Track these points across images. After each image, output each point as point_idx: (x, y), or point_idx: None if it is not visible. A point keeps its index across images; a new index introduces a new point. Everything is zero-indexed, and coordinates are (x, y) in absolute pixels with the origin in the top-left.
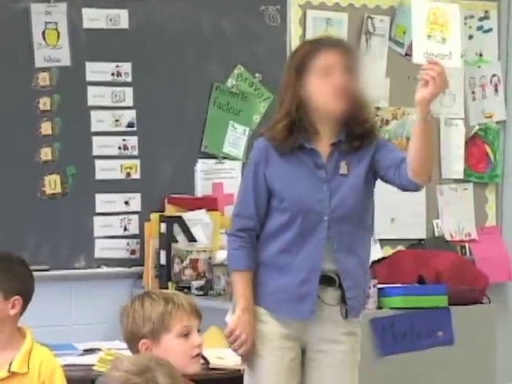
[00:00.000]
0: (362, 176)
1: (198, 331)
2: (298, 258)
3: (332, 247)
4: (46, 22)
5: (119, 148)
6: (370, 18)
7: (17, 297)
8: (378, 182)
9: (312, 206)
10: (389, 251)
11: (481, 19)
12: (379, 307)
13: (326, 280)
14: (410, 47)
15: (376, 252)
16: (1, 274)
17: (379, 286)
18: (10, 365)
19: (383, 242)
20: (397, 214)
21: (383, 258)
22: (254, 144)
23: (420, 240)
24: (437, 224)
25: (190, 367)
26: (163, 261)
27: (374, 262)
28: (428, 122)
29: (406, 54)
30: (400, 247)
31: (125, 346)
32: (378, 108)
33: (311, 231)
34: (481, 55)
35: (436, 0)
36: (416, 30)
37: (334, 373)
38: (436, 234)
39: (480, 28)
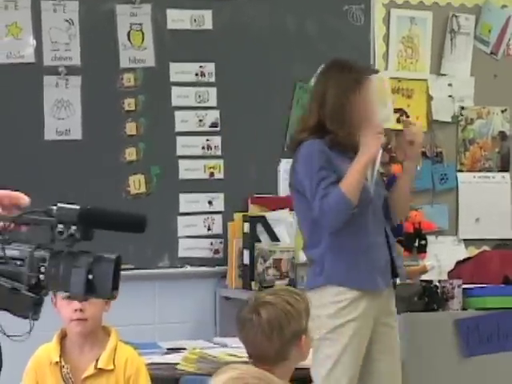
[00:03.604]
0: None
1: None
2: (373, 237)
3: None
4: (130, 24)
5: (203, 148)
6: (455, 16)
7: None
8: (465, 183)
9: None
10: (473, 251)
11: None
12: (464, 308)
13: None
14: (496, 45)
15: (460, 252)
16: None
17: (464, 286)
18: (97, 362)
19: (468, 242)
20: (482, 214)
21: (468, 259)
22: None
23: (505, 240)
24: None
25: None
26: (246, 260)
27: (459, 262)
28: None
29: (492, 53)
30: (485, 247)
31: (209, 344)
32: (463, 107)
33: (367, 214)
34: None
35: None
36: (377, 100)
37: (393, 343)
38: None
39: None
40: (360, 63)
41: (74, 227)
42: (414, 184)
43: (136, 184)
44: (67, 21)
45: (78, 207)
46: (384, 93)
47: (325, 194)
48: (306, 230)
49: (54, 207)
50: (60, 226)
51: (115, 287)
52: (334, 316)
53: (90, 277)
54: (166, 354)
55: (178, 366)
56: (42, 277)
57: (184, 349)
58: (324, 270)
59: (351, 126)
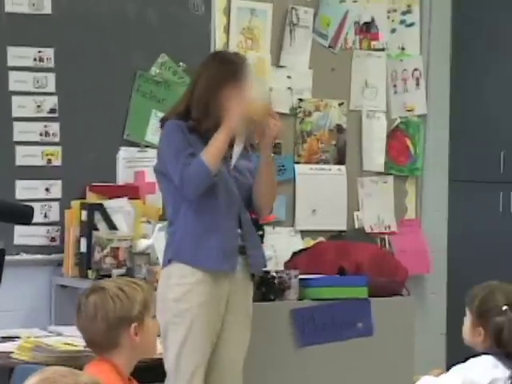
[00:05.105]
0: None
1: None
2: (223, 219)
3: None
4: None
5: (40, 134)
6: (295, 9)
7: None
8: (302, 174)
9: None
10: (309, 242)
11: (403, 13)
12: (300, 298)
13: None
14: (334, 39)
15: (297, 243)
16: None
17: (300, 276)
18: None
19: (304, 233)
20: (318, 206)
21: (304, 249)
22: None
23: (340, 232)
24: (357, 216)
25: (156, 348)
26: (83, 248)
27: (295, 253)
28: (271, 162)
29: (330, 46)
30: (321, 238)
31: (44, 333)
32: (301, 100)
33: (219, 196)
34: (403, 49)
35: None
36: (252, 81)
37: (240, 335)
38: (356, 226)
39: (403, 22)
40: (237, 55)
41: None
42: (274, 176)
43: None
44: None
45: None
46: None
47: (185, 163)
48: (168, 210)
49: None
50: None
51: None
52: (178, 300)
53: None
54: (0, 342)
55: (13, 355)
56: None
57: (19, 337)
58: (172, 246)
59: (218, 119)
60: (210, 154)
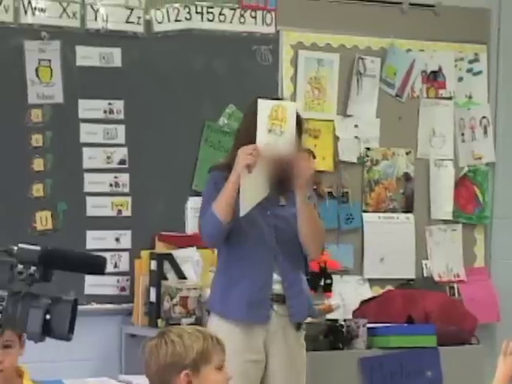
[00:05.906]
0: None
1: None
2: (251, 270)
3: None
4: (39, 59)
5: (110, 185)
6: (361, 58)
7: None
8: (370, 223)
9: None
10: (378, 291)
11: (471, 61)
12: (368, 347)
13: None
14: (401, 88)
15: (365, 291)
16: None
17: (368, 325)
18: None
19: (372, 281)
20: (386, 254)
21: (372, 298)
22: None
23: (409, 280)
24: (426, 264)
25: None
26: (153, 298)
27: (364, 302)
28: (307, 203)
29: (397, 95)
30: (389, 287)
31: (114, 382)
32: (368, 149)
33: (246, 246)
34: (470, 97)
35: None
36: (260, 126)
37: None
38: (425, 274)
39: (470, 70)
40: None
41: (33, 268)
42: (312, 216)
43: (43, 220)
44: None
45: (38, 248)
46: (282, 119)
47: (206, 214)
48: None
49: (15, 247)
50: (20, 266)
51: (71, 329)
52: None
53: (48, 317)
54: None
55: None
56: None
57: None
58: (209, 297)
59: None
60: (218, 203)
